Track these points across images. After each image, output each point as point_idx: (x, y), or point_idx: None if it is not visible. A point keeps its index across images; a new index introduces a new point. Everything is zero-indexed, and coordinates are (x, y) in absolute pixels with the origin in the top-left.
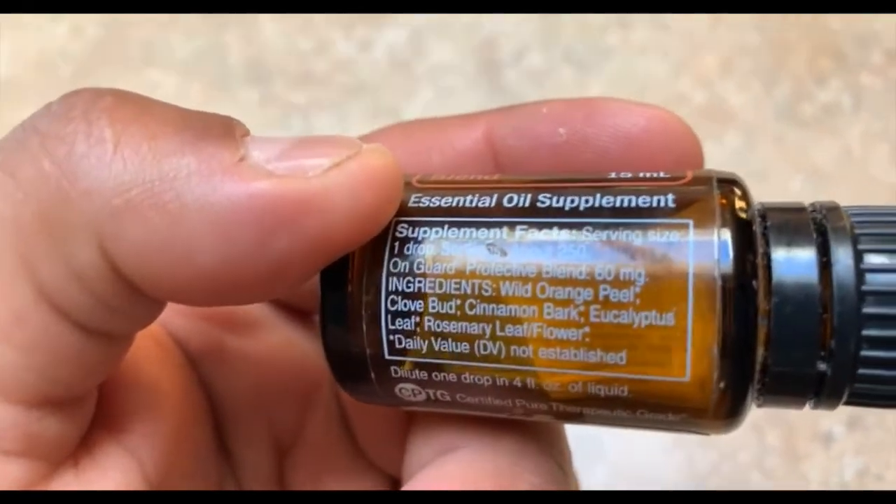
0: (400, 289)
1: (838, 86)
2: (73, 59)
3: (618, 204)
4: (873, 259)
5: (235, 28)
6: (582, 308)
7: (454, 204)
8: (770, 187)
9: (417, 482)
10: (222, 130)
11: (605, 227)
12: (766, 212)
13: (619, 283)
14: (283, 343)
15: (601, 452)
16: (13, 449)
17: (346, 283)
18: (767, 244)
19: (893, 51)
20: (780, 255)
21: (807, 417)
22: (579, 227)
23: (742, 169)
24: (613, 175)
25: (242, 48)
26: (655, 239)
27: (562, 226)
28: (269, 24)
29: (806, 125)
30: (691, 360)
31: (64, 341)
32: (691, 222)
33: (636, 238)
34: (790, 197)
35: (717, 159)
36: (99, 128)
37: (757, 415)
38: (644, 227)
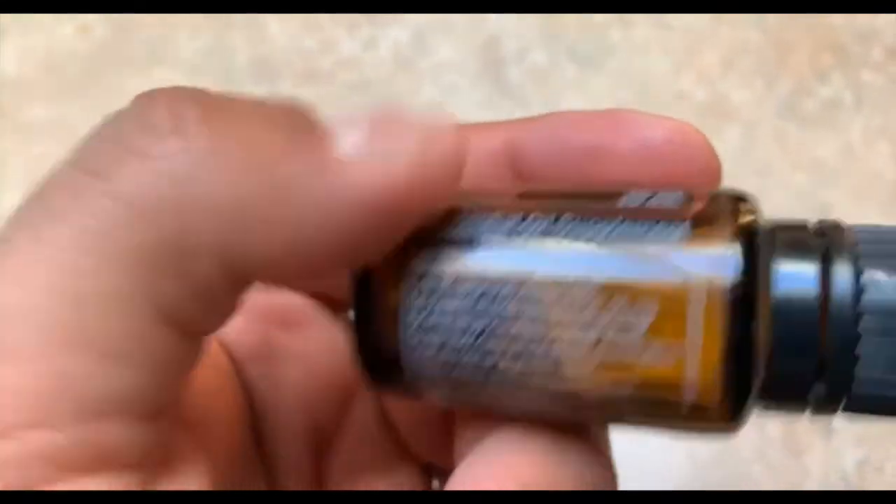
0: (421, 319)
1: (839, 82)
2: (80, 59)
3: (628, 238)
4: (873, 278)
5: (241, 27)
6: (593, 338)
7: (471, 234)
8: (772, 183)
9: (475, 460)
10: (309, 125)
11: (617, 262)
12: (773, 228)
13: (624, 327)
14: (326, 339)
15: None
16: (130, 462)
17: (373, 309)
18: (772, 259)
19: (894, 47)
20: (782, 270)
21: None
22: (590, 261)
23: (744, 165)
24: (624, 202)
25: (248, 47)
26: (667, 262)
27: (576, 260)
28: (274, 23)
29: (807, 121)
30: (697, 368)
31: (176, 351)
32: (700, 234)
33: (648, 268)
34: (792, 191)
35: (719, 155)
36: (203, 144)
37: None
38: (655, 251)
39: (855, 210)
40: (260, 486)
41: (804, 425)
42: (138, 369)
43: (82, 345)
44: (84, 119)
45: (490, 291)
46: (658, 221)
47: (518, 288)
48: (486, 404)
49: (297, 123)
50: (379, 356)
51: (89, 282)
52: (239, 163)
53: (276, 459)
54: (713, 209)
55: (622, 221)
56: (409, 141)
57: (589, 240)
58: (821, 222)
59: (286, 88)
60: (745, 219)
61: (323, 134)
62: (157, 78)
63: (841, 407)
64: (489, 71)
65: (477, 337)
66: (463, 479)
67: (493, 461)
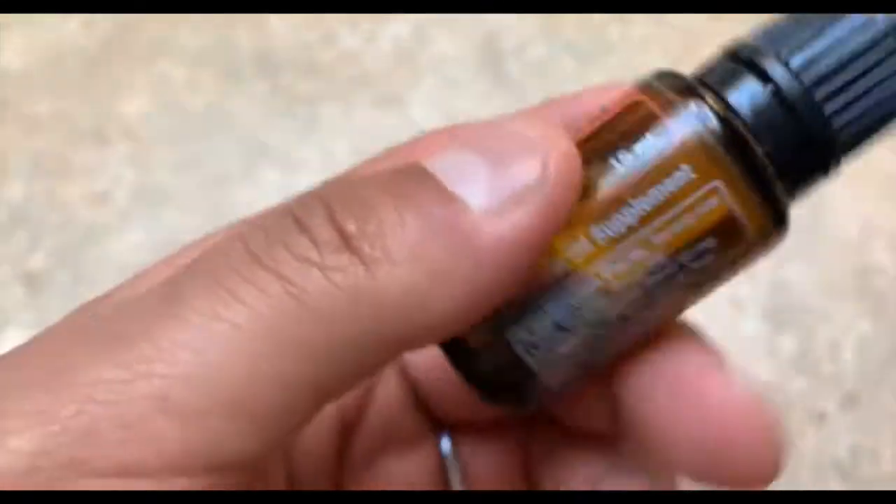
0: (528, 338)
1: None
2: (84, 53)
3: (629, 160)
4: (797, 61)
5: (243, 21)
6: (662, 240)
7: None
8: None
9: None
10: (436, 191)
11: (633, 177)
12: (703, 75)
13: (674, 216)
14: None
15: None
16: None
17: (482, 357)
18: (723, 95)
19: None
20: (734, 98)
21: (802, 396)
22: (633, 240)
23: None
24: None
25: (251, 41)
26: (667, 148)
27: (625, 243)
28: (275, 18)
29: None
30: (738, 201)
31: (308, 418)
32: (666, 116)
33: (658, 159)
34: None
35: None
36: (367, 253)
37: None
38: (653, 150)
39: (851, 201)
40: (280, 479)
41: (797, 414)
42: (273, 432)
43: (236, 412)
44: (87, 113)
45: (578, 312)
46: (635, 131)
47: (593, 299)
48: (605, 363)
49: (430, 198)
50: (513, 388)
51: (257, 362)
52: (399, 257)
53: (301, 448)
54: (659, 92)
55: (615, 147)
56: (530, 169)
57: (609, 169)
58: (727, 49)
59: (288, 82)
60: (685, 83)
61: (455, 201)
62: (161, 71)
63: (843, 151)
64: (489, 64)
65: (574, 318)
66: (667, 378)
67: (682, 357)
